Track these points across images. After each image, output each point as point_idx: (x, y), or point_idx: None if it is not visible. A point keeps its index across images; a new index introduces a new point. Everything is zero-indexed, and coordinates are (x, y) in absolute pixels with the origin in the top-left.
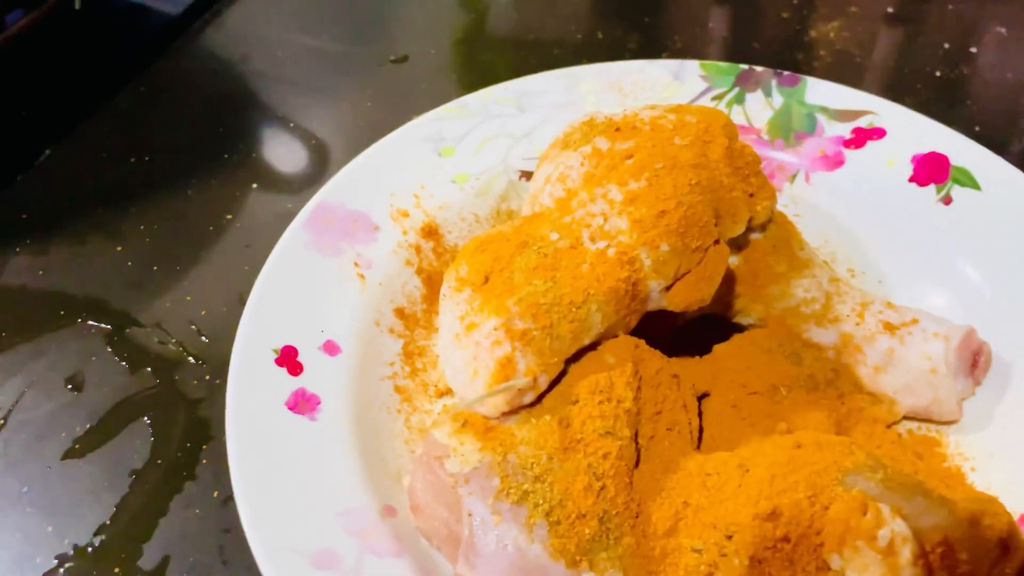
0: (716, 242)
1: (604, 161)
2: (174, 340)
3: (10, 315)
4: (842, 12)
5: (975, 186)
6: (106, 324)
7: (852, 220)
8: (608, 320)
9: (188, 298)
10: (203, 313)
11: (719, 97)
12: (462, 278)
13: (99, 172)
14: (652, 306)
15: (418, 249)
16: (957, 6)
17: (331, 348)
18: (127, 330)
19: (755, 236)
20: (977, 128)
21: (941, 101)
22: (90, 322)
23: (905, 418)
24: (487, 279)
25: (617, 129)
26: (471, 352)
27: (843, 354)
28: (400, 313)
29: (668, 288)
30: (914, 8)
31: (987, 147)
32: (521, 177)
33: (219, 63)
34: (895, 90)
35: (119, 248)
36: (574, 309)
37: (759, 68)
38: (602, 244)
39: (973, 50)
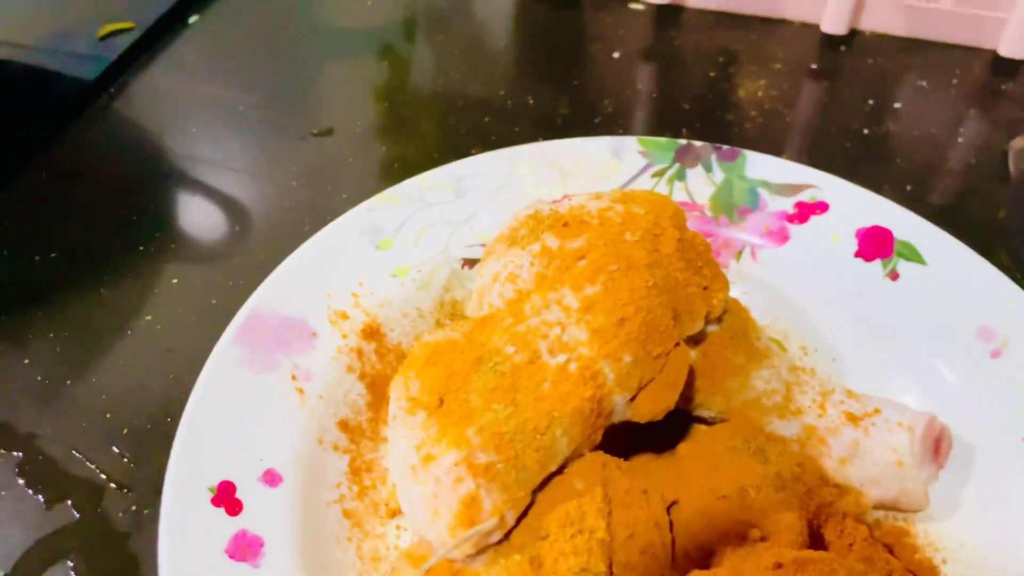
0: (676, 344)
1: (555, 261)
2: (94, 465)
3: None
4: (767, 69)
5: (920, 261)
6: (16, 451)
7: (802, 297)
8: (574, 442)
9: (107, 415)
10: (125, 432)
11: (660, 174)
12: (414, 398)
13: None
14: (616, 419)
15: (360, 352)
16: (877, 59)
17: (271, 478)
18: (40, 457)
19: (711, 328)
20: (908, 187)
21: (871, 160)
22: None
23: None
24: (442, 402)
25: (565, 224)
26: (431, 488)
27: (807, 446)
28: (344, 426)
29: (632, 399)
30: (836, 62)
31: (919, 207)
32: (464, 266)
33: (128, 141)
34: (826, 151)
35: (26, 361)
36: (539, 436)
37: (697, 143)
38: (562, 358)
39: (897, 105)
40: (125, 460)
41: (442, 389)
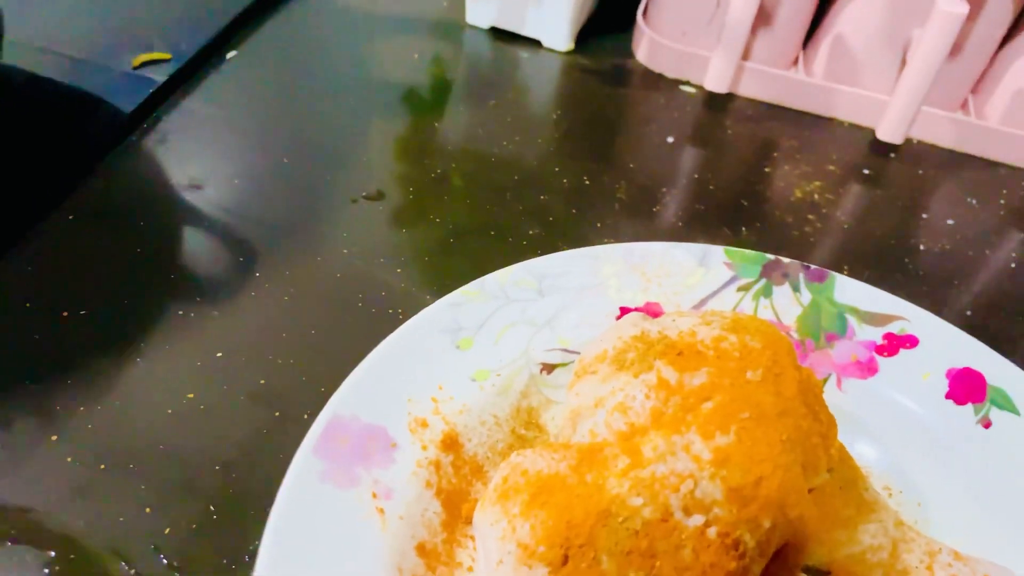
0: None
1: (674, 398)
2: (134, 571)
3: None
4: (822, 170)
5: (1014, 410)
6: (47, 549)
7: (888, 435)
8: None
9: (147, 510)
10: (167, 531)
11: (746, 288)
12: (527, 546)
13: (22, 332)
14: None
15: (438, 465)
16: (925, 171)
17: None
18: (71, 556)
19: (823, 477)
20: (969, 312)
21: (933, 280)
22: (24, 545)
23: None
24: (567, 559)
25: (679, 353)
26: None
27: None
28: (422, 550)
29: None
30: (886, 169)
31: (983, 336)
32: (542, 371)
33: (163, 185)
34: (887, 265)
35: (54, 438)
36: None
37: (785, 260)
38: (698, 519)
39: (950, 222)
40: (165, 562)
41: (563, 541)
